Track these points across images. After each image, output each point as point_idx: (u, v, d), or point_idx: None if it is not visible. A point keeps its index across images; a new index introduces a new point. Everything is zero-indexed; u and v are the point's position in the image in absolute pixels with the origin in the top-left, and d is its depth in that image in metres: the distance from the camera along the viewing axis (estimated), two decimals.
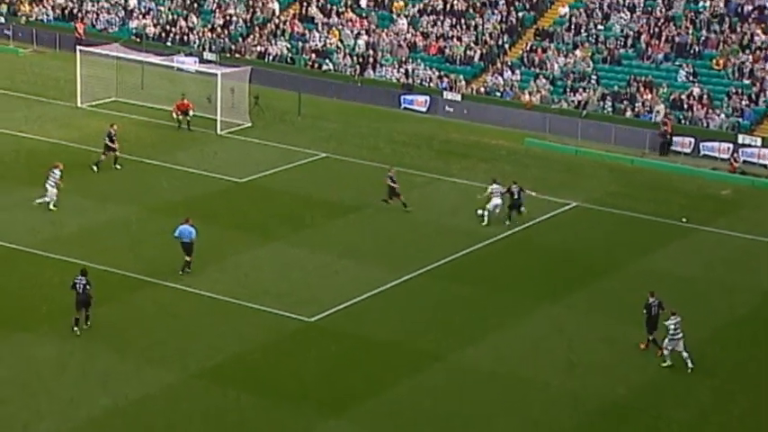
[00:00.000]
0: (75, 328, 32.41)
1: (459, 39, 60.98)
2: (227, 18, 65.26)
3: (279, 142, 51.28)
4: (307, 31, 63.37)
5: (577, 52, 58.53)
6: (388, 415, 29.44)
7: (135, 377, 30.36)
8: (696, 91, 54.93)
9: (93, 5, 68.06)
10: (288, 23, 64.10)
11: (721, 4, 59.24)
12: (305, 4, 65.35)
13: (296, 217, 42.35)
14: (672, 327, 31.89)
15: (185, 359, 31.47)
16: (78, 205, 42.24)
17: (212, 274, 36.97)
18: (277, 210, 43.21)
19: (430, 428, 28.94)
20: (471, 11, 62.55)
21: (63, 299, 34.03)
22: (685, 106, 54.48)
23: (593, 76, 57.15)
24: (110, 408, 28.89)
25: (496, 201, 42.21)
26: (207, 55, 62.14)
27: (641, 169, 50.68)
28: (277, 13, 65.50)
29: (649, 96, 55.21)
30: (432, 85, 58.68)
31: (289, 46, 62.58)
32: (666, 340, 32.10)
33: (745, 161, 51.29)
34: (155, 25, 65.70)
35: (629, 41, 58.74)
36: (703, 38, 57.73)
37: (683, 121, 53.82)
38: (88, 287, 32.32)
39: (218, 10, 66.17)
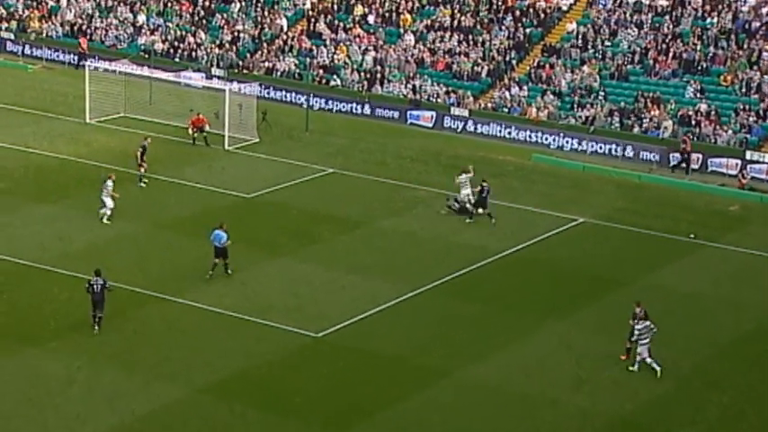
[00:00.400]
0: (96, 328, 33.26)
1: (467, 55, 61.09)
2: (236, 34, 65.46)
3: (286, 158, 51.37)
4: (314, 47, 63.54)
5: (585, 68, 58.61)
6: (395, 431, 29.38)
7: (142, 393, 30.36)
8: (704, 107, 54.93)
9: (102, 22, 68.30)
10: (296, 39, 64.28)
11: (729, 21, 59.29)
12: (313, 20, 65.54)
13: (303, 232, 42.39)
14: (638, 331, 32.24)
15: (192, 374, 31.47)
16: (86, 221, 42.30)
17: (219, 289, 36.99)
18: (284, 225, 43.25)
19: None
20: (479, 27, 62.67)
21: (71, 315, 34.15)
22: (693, 122, 54.48)
23: (601, 92, 57.22)
24: (116, 424, 28.87)
25: (466, 191, 43.25)
26: (215, 71, 62.35)
27: (649, 185, 50.65)
28: (285, 29, 65.67)
29: (657, 112, 55.24)
30: (439, 100, 58.79)
31: (296, 62, 62.76)
32: (638, 347, 32.36)
33: (753, 177, 51.24)
34: (163, 41, 65.91)
35: (637, 57, 58.79)
36: (711, 54, 57.77)
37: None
38: (105, 286, 33.34)
39: (226, 26, 66.38)
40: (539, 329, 35.30)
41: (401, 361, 32.96)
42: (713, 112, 54.62)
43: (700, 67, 57.40)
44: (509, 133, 56.13)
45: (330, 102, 59.64)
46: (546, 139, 55.29)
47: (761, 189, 50.32)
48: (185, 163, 49.54)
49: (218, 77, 60.38)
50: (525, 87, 58.60)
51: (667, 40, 59.03)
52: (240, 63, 63.29)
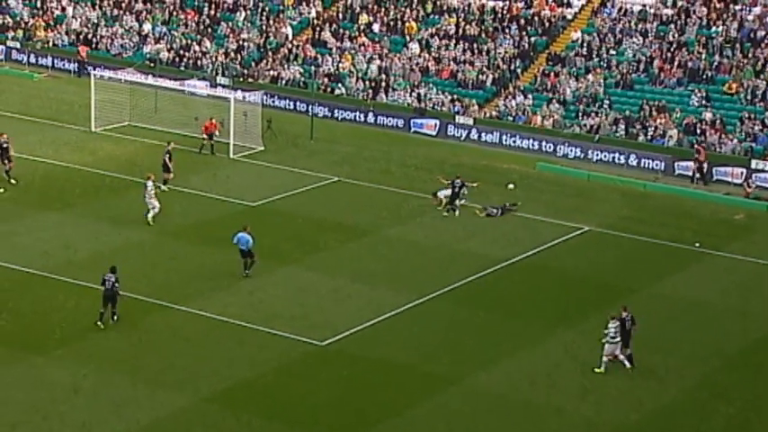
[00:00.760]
0: (99, 323, 33.85)
1: (472, 63, 61.13)
2: (241, 43, 65.54)
3: (291, 166, 51.39)
4: (319, 56, 63.60)
5: (590, 77, 58.62)
6: None
7: (147, 401, 30.35)
8: (709, 116, 54.91)
9: (107, 30, 68.41)
10: (301, 48, 64.35)
11: (734, 30, 59.29)
12: (318, 28, 65.63)
13: (308, 241, 42.39)
14: (612, 331, 32.50)
15: (197, 383, 31.45)
16: (91, 229, 42.34)
17: (224, 297, 37.00)
18: (290, 233, 43.26)
19: None
20: (484, 35, 62.71)
21: (77, 323, 34.15)
22: (698, 131, 54.46)
23: (606, 101, 57.22)
24: None
25: (446, 191, 45.41)
26: (220, 79, 62.42)
27: (654, 194, 50.61)
28: (290, 37, 65.73)
29: (662, 121, 55.22)
30: (444, 109, 58.81)
31: (302, 70, 62.82)
32: (606, 346, 32.48)
33: (758, 186, 51.19)
34: (168, 50, 66.00)
35: (642, 66, 58.80)
36: (716, 63, 57.76)
37: (695, 146, 53.74)
38: (116, 285, 34.01)
39: (231, 35, 66.46)
40: (545, 338, 35.26)
41: (407, 369, 32.93)
42: (718, 121, 54.60)
43: (705, 76, 57.39)
44: (514, 142, 56.11)
45: (335, 110, 59.69)
46: (551, 147, 55.27)
47: (766, 198, 50.28)
48: (190, 171, 49.56)
49: (224, 86, 60.43)
50: (530, 96, 58.61)
51: (672, 49, 59.04)
52: (245, 72, 63.37)
